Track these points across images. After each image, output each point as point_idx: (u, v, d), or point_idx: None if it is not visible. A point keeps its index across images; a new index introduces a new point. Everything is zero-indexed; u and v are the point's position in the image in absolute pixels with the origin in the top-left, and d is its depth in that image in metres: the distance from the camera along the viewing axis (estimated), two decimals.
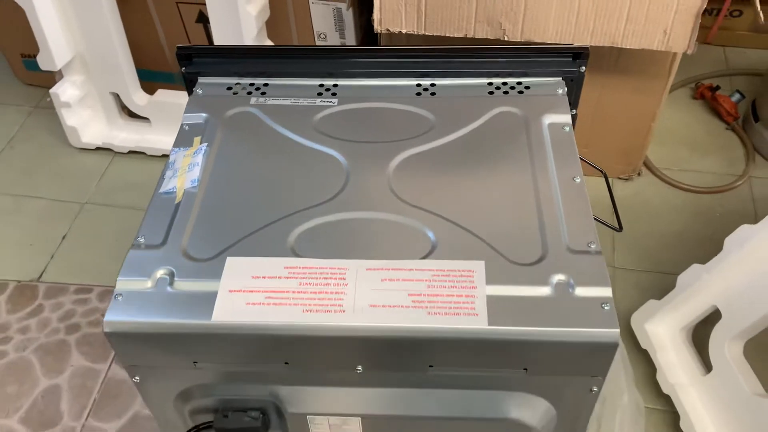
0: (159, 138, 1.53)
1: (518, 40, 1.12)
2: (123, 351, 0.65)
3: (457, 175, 0.74)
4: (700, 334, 1.11)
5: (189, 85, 0.88)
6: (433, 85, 0.85)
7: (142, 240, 0.68)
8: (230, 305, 0.62)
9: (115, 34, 1.38)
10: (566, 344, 0.60)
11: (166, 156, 1.42)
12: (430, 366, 0.63)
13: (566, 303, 0.61)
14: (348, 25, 1.36)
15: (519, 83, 0.85)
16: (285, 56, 0.88)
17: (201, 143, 0.78)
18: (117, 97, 1.51)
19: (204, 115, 0.82)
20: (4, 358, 1.21)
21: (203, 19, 1.44)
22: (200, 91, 0.85)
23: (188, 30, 1.48)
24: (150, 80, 1.54)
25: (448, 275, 0.63)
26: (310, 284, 0.63)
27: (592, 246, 0.66)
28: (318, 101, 0.83)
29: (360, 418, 0.68)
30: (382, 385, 0.66)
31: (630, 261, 1.31)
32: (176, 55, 0.86)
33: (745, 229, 1.02)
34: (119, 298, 0.64)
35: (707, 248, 1.09)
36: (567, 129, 0.78)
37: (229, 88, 0.86)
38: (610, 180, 1.43)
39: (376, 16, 1.14)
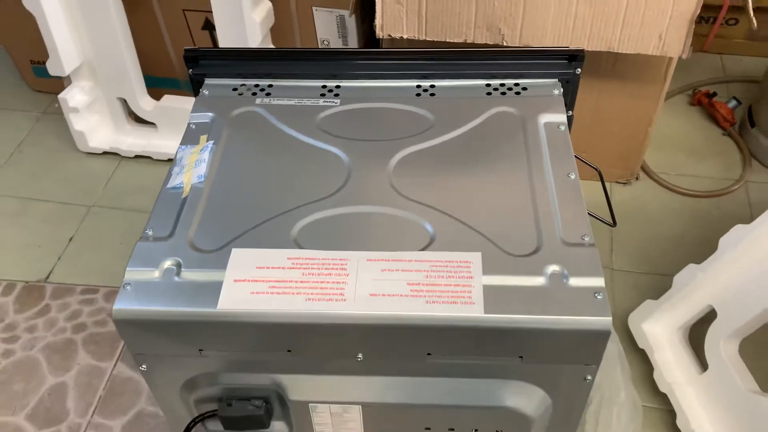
0: (165, 143, 1.55)
1: (517, 44, 1.15)
2: (131, 339, 0.67)
3: (456, 172, 0.76)
4: (696, 334, 1.12)
5: (195, 87, 0.90)
6: (432, 86, 0.88)
7: (150, 232, 0.70)
8: (235, 294, 0.64)
9: (123, 40, 1.41)
10: (560, 332, 0.62)
11: (172, 160, 1.45)
12: (429, 354, 0.65)
13: (560, 292, 0.63)
14: (350, 31, 1.39)
15: (516, 84, 0.87)
16: (289, 58, 0.90)
17: (207, 141, 0.80)
18: (124, 102, 1.54)
19: (210, 114, 0.84)
20: (12, 356, 1.23)
21: (209, 26, 1.48)
22: (207, 92, 0.88)
23: (194, 37, 1.51)
24: (156, 86, 1.57)
25: (446, 266, 0.65)
26: (313, 274, 0.65)
27: (586, 239, 0.68)
28: (321, 101, 0.86)
29: (360, 406, 0.70)
30: (381, 373, 0.68)
31: (628, 263, 1.33)
32: (183, 57, 0.89)
33: (739, 229, 1.04)
34: (128, 287, 0.66)
35: (704, 251, 1.11)
36: (562, 128, 0.81)
37: (235, 89, 0.88)
38: (608, 184, 1.46)
39: (377, 22, 1.17)
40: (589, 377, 0.67)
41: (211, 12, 1.34)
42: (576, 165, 0.76)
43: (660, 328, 1.16)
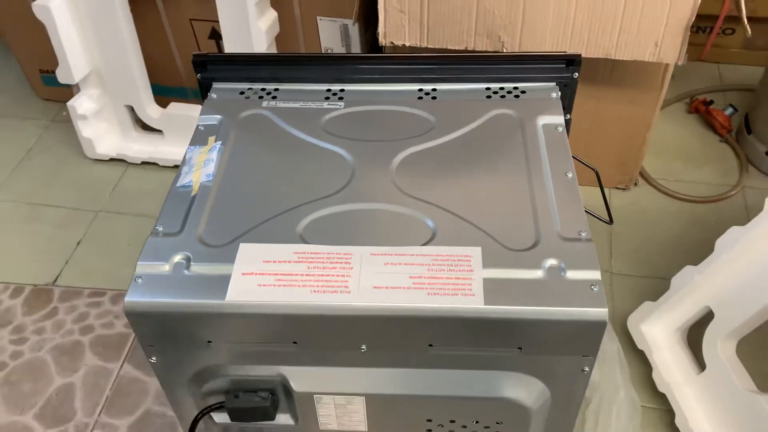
0: (171, 149, 1.58)
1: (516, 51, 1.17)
2: (142, 331, 0.69)
3: (456, 171, 0.78)
4: (694, 335, 1.14)
5: (204, 91, 0.93)
6: (434, 89, 0.90)
7: (160, 228, 0.73)
8: (243, 286, 0.66)
9: (131, 49, 1.44)
10: (557, 323, 0.64)
11: (178, 166, 1.48)
12: (430, 345, 0.67)
13: (558, 285, 0.65)
14: (354, 40, 1.42)
15: (515, 88, 0.90)
16: (294, 63, 0.93)
17: (215, 142, 0.83)
18: (131, 110, 1.57)
19: (218, 116, 0.87)
20: (20, 357, 1.25)
21: (215, 35, 1.51)
22: (214, 96, 0.91)
23: (201, 46, 1.54)
24: (163, 95, 1.60)
25: (447, 260, 0.68)
26: (318, 268, 0.67)
27: (583, 234, 0.70)
28: (326, 104, 0.88)
29: (364, 398, 0.72)
30: (385, 365, 0.70)
31: (627, 267, 1.35)
32: (192, 63, 0.92)
33: (735, 230, 1.06)
34: (139, 280, 0.68)
35: (702, 254, 1.13)
36: (560, 129, 0.83)
37: (242, 93, 0.91)
38: (607, 189, 1.48)
39: (380, 29, 1.20)
40: (587, 369, 0.69)
41: (218, 21, 1.37)
42: (573, 165, 0.79)
43: (658, 330, 1.17)
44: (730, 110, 1.61)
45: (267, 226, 0.72)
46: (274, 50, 1.41)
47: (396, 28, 1.20)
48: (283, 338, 0.68)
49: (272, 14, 1.38)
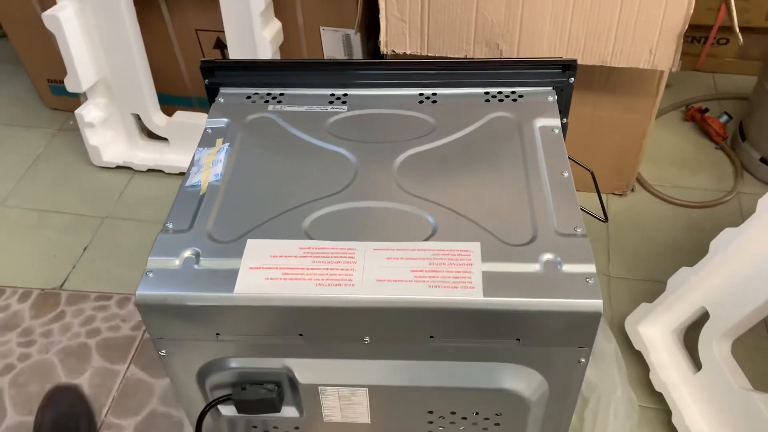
0: (177, 157, 1.61)
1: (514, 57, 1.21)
2: (152, 323, 0.71)
3: (456, 171, 0.81)
4: (689, 335, 1.16)
5: (211, 96, 0.96)
6: (434, 94, 0.93)
7: (170, 226, 0.75)
8: (251, 280, 0.69)
9: (138, 58, 1.48)
10: (554, 314, 0.66)
11: (183, 174, 1.51)
12: (431, 337, 0.70)
13: (554, 277, 0.68)
14: (356, 49, 1.45)
15: (513, 92, 0.92)
16: (299, 69, 0.96)
17: (223, 143, 0.85)
18: (137, 118, 1.60)
19: (225, 119, 0.90)
20: (28, 360, 1.27)
21: (220, 45, 1.54)
22: (222, 100, 0.93)
23: (206, 56, 1.58)
24: (169, 104, 1.63)
25: (447, 254, 0.70)
26: (323, 262, 0.70)
27: (578, 230, 0.72)
28: (329, 108, 0.91)
29: (367, 389, 0.74)
30: (387, 357, 0.72)
31: (624, 270, 1.37)
32: (200, 69, 0.95)
33: (728, 232, 1.08)
34: (150, 274, 0.70)
35: (698, 258, 1.15)
36: (556, 131, 0.86)
37: (248, 98, 0.94)
38: (604, 195, 1.51)
39: (382, 38, 1.24)
40: (583, 360, 0.71)
41: (223, 32, 1.41)
42: (569, 165, 0.81)
43: (655, 330, 1.19)
44: (725, 118, 1.65)
45: (273, 223, 0.75)
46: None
47: (397, 36, 1.23)
48: (289, 330, 0.70)
49: (276, 24, 1.41)
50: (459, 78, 0.94)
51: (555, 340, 0.69)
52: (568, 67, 0.92)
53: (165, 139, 1.61)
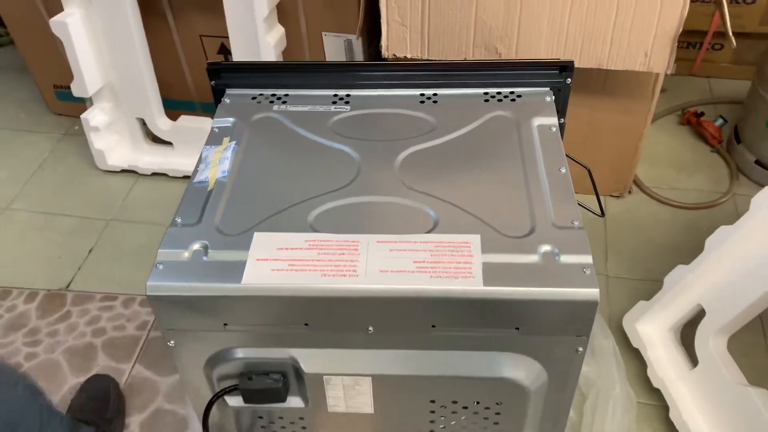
0: (181, 161, 1.63)
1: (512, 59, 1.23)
2: (163, 314, 0.73)
3: (456, 167, 0.83)
4: (686, 332, 1.18)
5: (217, 97, 0.98)
6: (435, 94, 0.96)
7: (179, 220, 0.77)
8: (258, 271, 0.71)
9: (144, 63, 1.50)
10: (552, 302, 0.68)
11: (187, 177, 1.53)
12: (433, 326, 0.72)
13: (552, 268, 0.70)
14: (357, 54, 1.48)
15: (511, 92, 0.95)
16: (303, 71, 0.99)
17: (230, 142, 0.88)
18: (142, 122, 1.62)
19: (232, 119, 0.92)
20: (35, 359, 1.28)
21: (224, 50, 1.57)
22: (228, 101, 0.96)
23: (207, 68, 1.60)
24: (173, 109, 1.66)
25: (448, 246, 0.72)
26: (328, 254, 0.72)
27: (575, 223, 0.75)
28: (333, 108, 0.94)
29: (371, 378, 0.76)
30: (390, 346, 0.74)
31: (622, 270, 1.39)
32: (207, 70, 0.97)
33: (723, 229, 1.10)
34: (160, 266, 0.72)
35: (695, 258, 1.17)
36: (554, 129, 0.88)
37: (254, 98, 0.96)
38: (602, 197, 1.53)
39: (383, 42, 1.26)
40: (581, 349, 0.73)
41: (227, 37, 1.44)
42: (566, 161, 0.83)
43: (652, 328, 1.21)
44: (720, 121, 1.67)
45: (279, 217, 0.77)
46: None
47: (398, 40, 1.26)
48: (294, 320, 0.72)
49: (279, 30, 1.44)
50: (459, 79, 0.96)
51: (553, 329, 0.71)
52: (565, 68, 0.95)
53: (169, 143, 1.64)
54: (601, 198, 1.52)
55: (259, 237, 0.74)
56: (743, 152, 1.59)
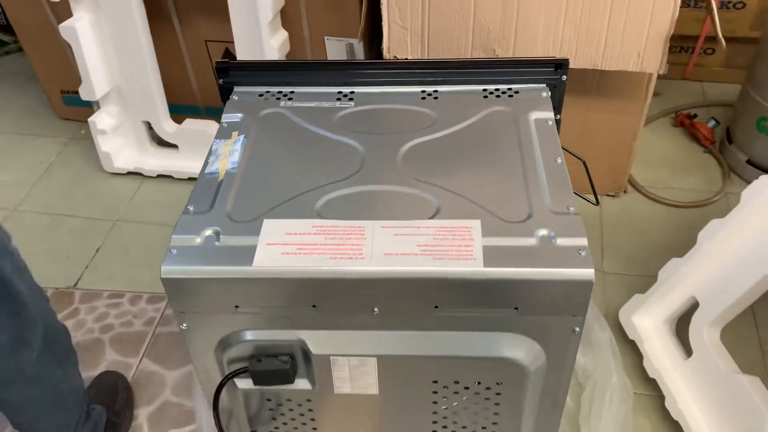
0: (186, 163, 1.67)
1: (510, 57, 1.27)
2: (176, 297, 0.76)
3: (457, 158, 0.87)
4: (680, 324, 1.21)
5: (224, 95, 1.02)
6: (435, 91, 0.99)
7: (191, 208, 0.81)
8: (268, 254, 0.74)
9: (150, 68, 1.54)
10: (549, 282, 0.72)
11: (193, 179, 1.57)
12: (436, 307, 0.75)
13: (549, 250, 0.73)
14: (359, 57, 1.52)
15: (509, 89, 0.99)
16: (308, 69, 1.02)
17: (239, 135, 0.91)
18: (148, 126, 1.66)
19: (240, 114, 0.96)
20: None
21: (229, 55, 1.61)
22: (236, 98, 1.00)
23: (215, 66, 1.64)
24: (178, 113, 1.69)
25: (450, 230, 0.76)
26: (335, 238, 0.75)
27: (571, 209, 0.78)
28: (337, 104, 0.97)
29: (376, 359, 0.79)
30: (395, 327, 0.78)
31: (619, 266, 1.43)
32: (215, 69, 1.01)
33: (715, 223, 1.14)
34: (173, 251, 0.76)
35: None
36: (550, 123, 0.92)
37: (261, 95, 1.00)
38: (599, 197, 1.57)
39: (385, 45, 1.30)
40: (577, 329, 0.76)
41: (232, 42, 1.48)
42: (562, 152, 0.87)
43: (648, 321, 1.25)
44: (712, 123, 1.72)
45: (288, 205, 0.80)
46: None
47: (399, 43, 1.30)
48: (303, 302, 0.75)
49: (283, 34, 1.48)
50: (458, 76, 1.00)
51: (550, 309, 0.74)
52: (560, 65, 0.98)
53: (174, 146, 1.68)
54: (598, 197, 1.56)
55: (268, 223, 0.78)
56: (735, 152, 1.63)
